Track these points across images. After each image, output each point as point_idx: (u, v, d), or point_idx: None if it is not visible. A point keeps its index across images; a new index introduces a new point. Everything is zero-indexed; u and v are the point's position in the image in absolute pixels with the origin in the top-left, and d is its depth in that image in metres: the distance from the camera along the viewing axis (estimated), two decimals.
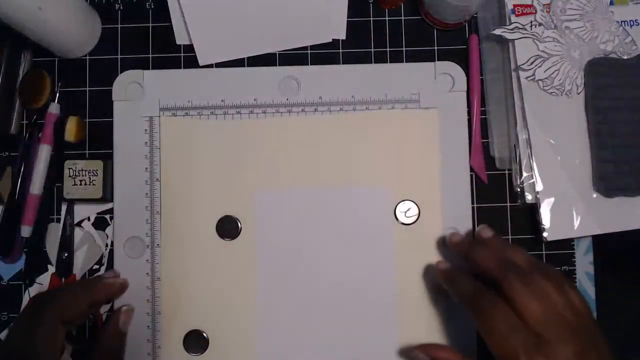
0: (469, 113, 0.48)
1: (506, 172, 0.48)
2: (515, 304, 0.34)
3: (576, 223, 0.45)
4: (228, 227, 0.47)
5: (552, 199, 0.45)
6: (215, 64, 0.49)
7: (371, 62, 0.49)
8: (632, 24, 0.47)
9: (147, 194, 0.47)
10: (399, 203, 0.47)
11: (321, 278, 0.46)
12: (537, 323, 0.33)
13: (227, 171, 0.47)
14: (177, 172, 0.47)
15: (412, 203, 0.46)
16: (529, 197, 0.46)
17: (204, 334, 0.46)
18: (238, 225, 0.47)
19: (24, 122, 0.48)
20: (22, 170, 0.47)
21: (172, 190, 0.47)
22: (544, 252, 0.48)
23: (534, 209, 0.46)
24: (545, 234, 0.45)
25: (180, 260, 0.46)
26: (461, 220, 0.46)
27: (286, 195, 0.47)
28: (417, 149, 0.47)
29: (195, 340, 0.46)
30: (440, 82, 0.48)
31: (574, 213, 0.45)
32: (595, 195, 0.46)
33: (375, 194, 0.47)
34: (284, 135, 0.47)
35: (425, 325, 0.46)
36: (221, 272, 0.46)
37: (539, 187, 0.45)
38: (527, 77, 0.46)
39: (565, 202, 0.45)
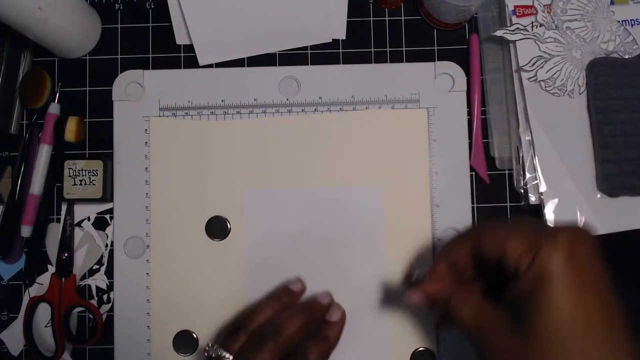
0: (470, 113, 0.47)
1: (506, 172, 0.48)
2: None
3: (580, 223, 0.45)
4: (217, 227, 0.46)
5: (556, 200, 0.45)
6: (215, 64, 0.49)
7: (371, 62, 0.49)
8: (633, 23, 0.47)
9: (147, 194, 0.47)
10: None
11: (311, 277, 0.46)
12: None
13: (216, 171, 0.47)
14: (167, 172, 0.47)
15: None
16: (532, 198, 0.45)
17: (194, 335, 0.46)
18: (227, 226, 0.47)
19: (24, 122, 0.49)
20: (22, 170, 0.47)
21: (161, 191, 0.47)
22: None
23: (538, 209, 0.45)
24: None
25: (169, 260, 0.46)
26: (461, 220, 0.46)
27: (275, 194, 0.47)
28: (407, 148, 0.47)
29: (185, 341, 0.46)
30: (440, 82, 0.48)
31: (578, 213, 0.45)
32: (599, 195, 0.45)
33: (367, 192, 0.47)
34: (272, 134, 0.47)
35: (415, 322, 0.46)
36: (211, 273, 0.46)
37: (543, 188, 0.45)
38: (528, 78, 0.46)
39: (569, 203, 0.45)
